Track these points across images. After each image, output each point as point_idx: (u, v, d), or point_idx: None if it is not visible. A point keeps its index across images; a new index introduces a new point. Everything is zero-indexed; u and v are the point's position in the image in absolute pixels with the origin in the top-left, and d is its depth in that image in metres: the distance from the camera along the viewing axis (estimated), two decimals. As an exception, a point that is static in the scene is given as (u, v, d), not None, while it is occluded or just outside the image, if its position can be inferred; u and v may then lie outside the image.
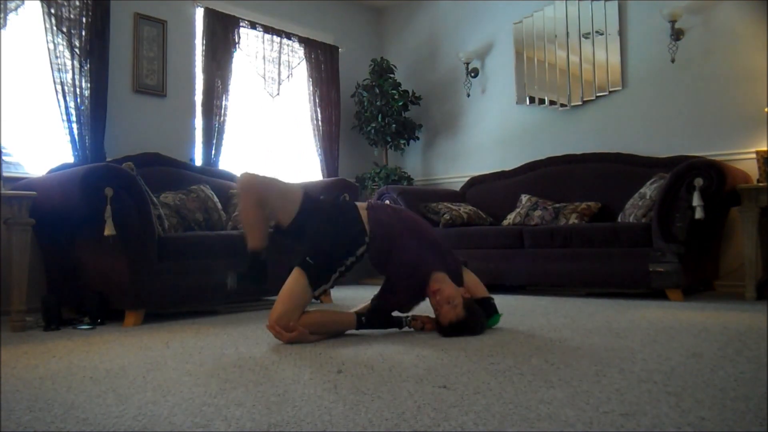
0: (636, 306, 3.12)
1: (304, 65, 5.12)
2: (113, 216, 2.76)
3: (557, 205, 4.18)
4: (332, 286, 2.45)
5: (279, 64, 4.89)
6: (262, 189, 2.38)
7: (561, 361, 1.80)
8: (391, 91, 5.21)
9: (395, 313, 2.48)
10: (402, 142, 5.34)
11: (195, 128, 4.37)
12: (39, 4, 3.53)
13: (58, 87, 3.59)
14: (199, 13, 4.44)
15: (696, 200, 3.19)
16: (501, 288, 3.83)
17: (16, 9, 3.45)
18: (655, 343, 2.08)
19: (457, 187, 5.13)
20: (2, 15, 3.36)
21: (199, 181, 3.91)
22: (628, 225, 3.54)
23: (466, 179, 5.12)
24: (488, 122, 5.21)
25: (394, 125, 5.22)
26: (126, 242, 2.87)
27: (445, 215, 4.31)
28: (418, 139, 5.47)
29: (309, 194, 2.48)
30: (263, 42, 4.79)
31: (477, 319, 2.33)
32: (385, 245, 2.38)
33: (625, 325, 2.51)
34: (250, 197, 2.37)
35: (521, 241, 3.90)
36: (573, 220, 3.95)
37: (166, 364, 1.93)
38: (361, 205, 2.49)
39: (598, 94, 4.58)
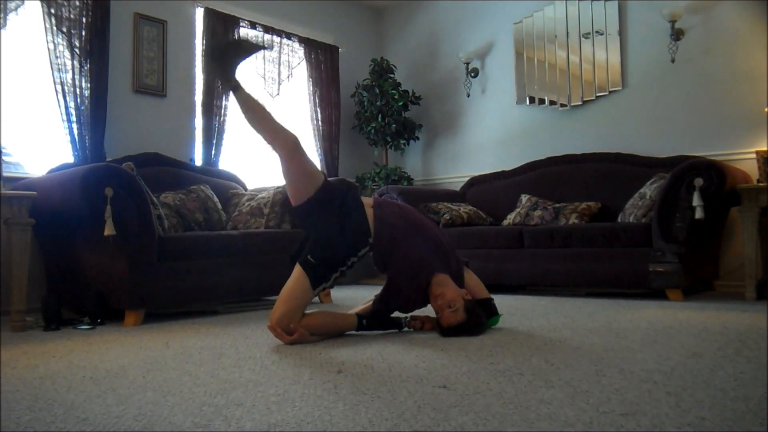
0: (636, 306, 3.12)
1: (304, 65, 5.12)
2: (113, 216, 2.76)
3: (557, 205, 4.18)
4: (332, 286, 2.45)
5: (279, 64, 4.89)
6: (297, 147, 2.36)
7: (561, 361, 1.80)
8: (391, 91, 5.21)
9: (395, 314, 2.48)
10: (402, 142, 5.34)
11: (195, 128, 4.37)
12: (39, 4, 3.52)
13: (58, 87, 3.59)
14: (199, 13, 4.44)
15: (696, 200, 3.19)
16: (501, 288, 3.83)
17: (16, 9, 3.45)
18: (655, 343, 2.08)
19: (457, 187, 5.13)
20: (2, 15, 3.36)
21: (199, 181, 3.91)
22: (628, 225, 3.54)
23: (466, 179, 5.12)
24: (488, 122, 5.21)
25: (394, 125, 5.23)
26: (126, 242, 2.87)
27: (445, 215, 4.31)
28: (418, 139, 5.47)
29: (328, 186, 2.44)
30: (263, 42, 4.79)
31: (478, 321, 2.33)
32: (388, 246, 2.37)
33: (625, 325, 2.51)
34: (287, 141, 2.35)
35: (521, 241, 3.90)
36: (573, 220, 3.95)
37: (166, 364, 1.93)
38: (368, 202, 2.46)
39: (598, 94, 4.58)
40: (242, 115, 2.41)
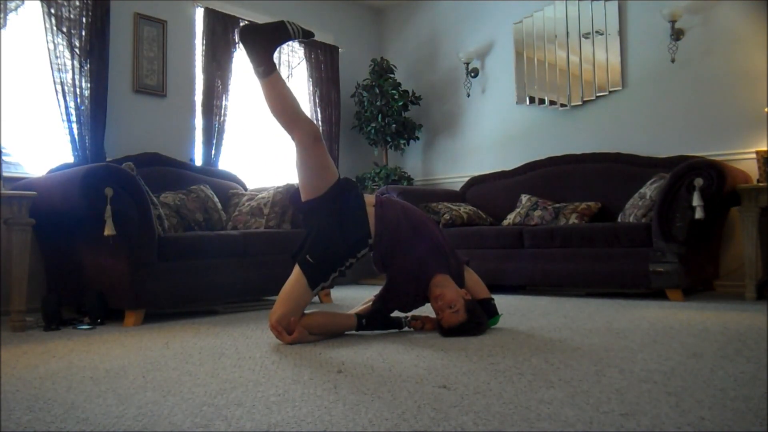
0: (636, 306, 3.12)
1: (304, 65, 5.12)
2: (113, 216, 2.76)
3: (557, 205, 4.18)
4: (331, 286, 2.44)
5: (279, 64, 4.89)
6: (319, 137, 2.33)
7: (561, 361, 1.80)
8: (391, 91, 5.21)
9: (395, 313, 2.48)
10: (402, 142, 5.34)
11: (195, 128, 4.37)
12: (39, 4, 3.52)
13: (58, 87, 3.58)
14: (199, 13, 4.44)
15: (696, 200, 3.19)
16: (501, 288, 3.83)
17: (16, 9, 3.45)
18: (655, 343, 2.08)
19: (457, 187, 5.13)
20: (2, 15, 3.36)
21: (199, 181, 3.91)
22: (628, 225, 3.54)
23: (466, 179, 5.12)
24: (488, 122, 5.21)
25: (394, 125, 5.23)
26: (126, 242, 2.87)
27: (445, 215, 4.31)
28: (418, 139, 5.47)
29: (340, 184, 2.38)
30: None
31: (478, 321, 2.33)
32: (389, 247, 2.37)
33: (625, 325, 2.51)
34: (311, 129, 2.31)
35: (521, 241, 3.90)
36: (573, 220, 3.95)
37: (166, 364, 1.93)
38: (369, 201, 2.42)
39: (598, 94, 4.58)
40: (266, 100, 2.32)
